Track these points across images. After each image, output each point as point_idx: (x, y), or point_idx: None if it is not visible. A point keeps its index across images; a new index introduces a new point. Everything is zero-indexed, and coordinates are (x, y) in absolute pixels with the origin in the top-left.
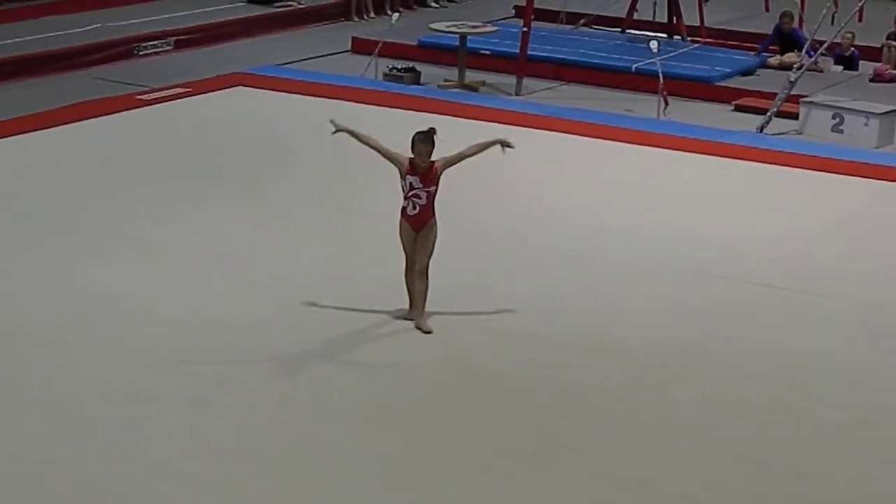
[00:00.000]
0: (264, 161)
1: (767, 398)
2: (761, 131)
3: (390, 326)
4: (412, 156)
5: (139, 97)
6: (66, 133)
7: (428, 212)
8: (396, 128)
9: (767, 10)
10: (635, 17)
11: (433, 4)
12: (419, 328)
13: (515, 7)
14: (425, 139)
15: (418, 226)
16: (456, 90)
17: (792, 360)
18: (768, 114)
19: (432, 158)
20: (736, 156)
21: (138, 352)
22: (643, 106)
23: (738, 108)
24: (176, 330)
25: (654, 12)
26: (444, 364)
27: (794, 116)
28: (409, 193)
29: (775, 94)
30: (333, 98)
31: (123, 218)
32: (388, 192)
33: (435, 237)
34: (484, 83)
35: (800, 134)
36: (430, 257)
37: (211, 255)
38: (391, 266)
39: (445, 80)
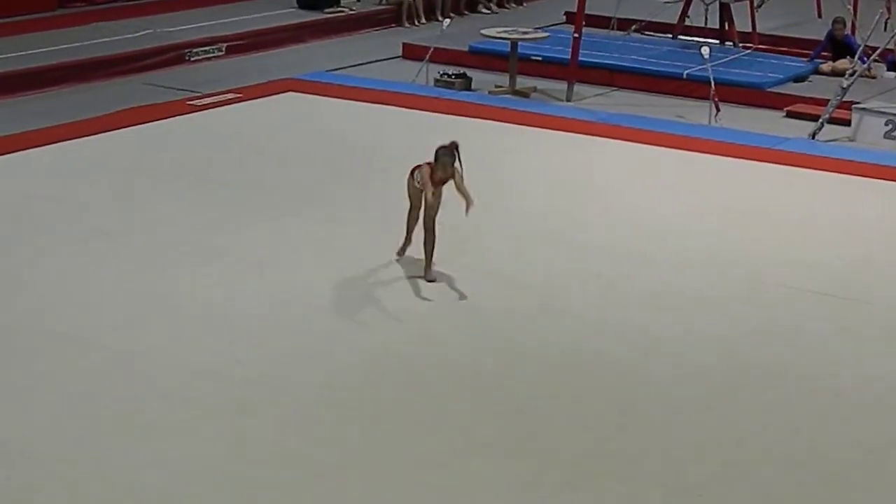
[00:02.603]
0: (316, 167)
1: (827, 412)
2: (813, 138)
3: (447, 334)
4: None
5: (190, 103)
6: (117, 138)
7: None
8: (447, 134)
9: (820, 16)
10: (687, 23)
11: (484, 10)
12: (426, 279)
13: (566, 13)
14: (449, 153)
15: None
16: (507, 96)
17: (850, 371)
18: (820, 120)
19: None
20: (788, 162)
21: (192, 356)
22: (694, 112)
23: (790, 115)
24: (228, 334)
25: (706, 18)
26: (500, 372)
27: (847, 123)
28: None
29: (828, 100)
30: (384, 104)
31: (175, 222)
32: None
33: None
34: (535, 89)
35: (852, 140)
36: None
37: (263, 259)
38: (448, 272)
39: (497, 86)
